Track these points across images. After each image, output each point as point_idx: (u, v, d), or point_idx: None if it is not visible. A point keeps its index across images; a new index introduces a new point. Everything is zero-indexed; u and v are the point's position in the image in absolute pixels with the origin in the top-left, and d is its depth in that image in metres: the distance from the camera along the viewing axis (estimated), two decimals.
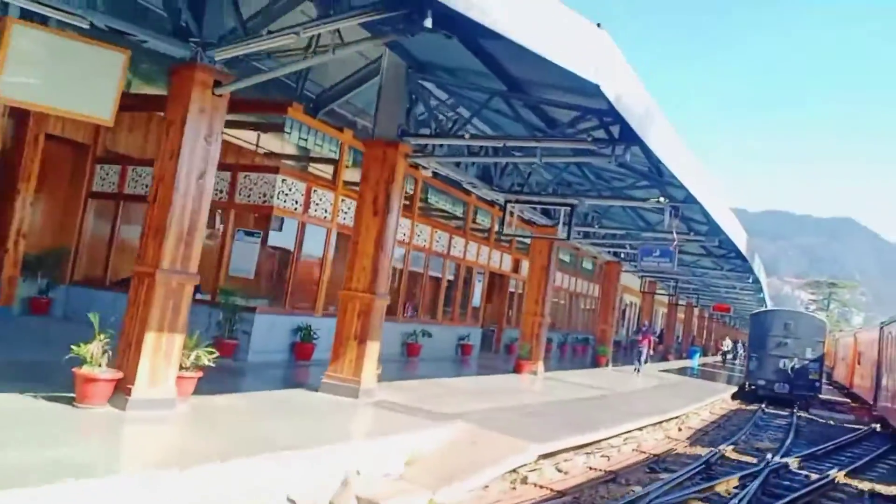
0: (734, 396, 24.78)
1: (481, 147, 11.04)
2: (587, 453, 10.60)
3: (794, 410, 23.28)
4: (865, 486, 11.37)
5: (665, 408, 15.18)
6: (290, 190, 12.36)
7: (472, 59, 8.72)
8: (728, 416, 19.19)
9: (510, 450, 8.58)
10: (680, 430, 15.14)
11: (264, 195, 12.14)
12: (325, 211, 13.20)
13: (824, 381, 47.61)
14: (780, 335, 25.01)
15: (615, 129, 8.81)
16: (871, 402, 23.30)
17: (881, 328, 21.65)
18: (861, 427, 20.39)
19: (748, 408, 23.18)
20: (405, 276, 16.61)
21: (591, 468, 9.89)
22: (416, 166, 13.88)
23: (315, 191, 12.97)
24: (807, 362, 24.61)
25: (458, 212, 19.47)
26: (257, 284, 12.07)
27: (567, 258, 28.79)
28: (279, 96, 12.87)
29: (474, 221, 20.52)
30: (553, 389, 15.39)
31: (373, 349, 9.61)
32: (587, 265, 30.96)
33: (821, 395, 29.92)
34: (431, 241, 17.65)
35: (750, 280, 23.10)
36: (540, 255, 17.18)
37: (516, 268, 24.17)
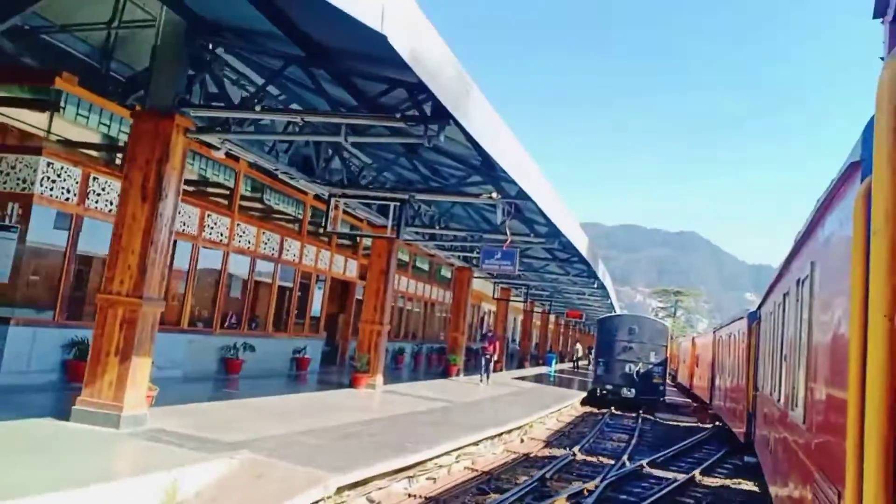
0: (584, 402, 24.64)
1: (288, 125, 9.56)
2: (409, 477, 9.33)
3: (640, 413, 23.41)
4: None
5: (508, 418, 14.28)
6: (58, 176, 10.26)
7: (263, 19, 7.29)
8: (575, 422, 18.70)
9: (304, 483, 7.11)
10: (522, 441, 14.32)
11: (23, 181, 9.98)
12: (110, 203, 11.15)
13: (669, 382, 49.77)
14: (625, 340, 25.16)
15: (427, 107, 7.65)
16: (708, 402, 23.92)
17: (714, 332, 22.15)
18: (705, 427, 20.65)
19: (598, 411, 23.07)
20: (223, 281, 14.75)
21: (410, 495, 8.63)
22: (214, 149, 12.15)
23: (95, 178, 10.93)
24: (651, 366, 24.88)
25: (294, 211, 17.82)
26: (13, 290, 9.85)
27: (425, 266, 27.79)
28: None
29: (312, 223, 18.95)
30: (388, 404, 14.09)
31: (141, 367, 7.83)
32: (444, 273, 30.13)
33: (665, 399, 30.73)
34: (258, 242, 15.89)
35: (595, 285, 23.02)
36: (379, 259, 15.88)
37: (364, 274, 22.82)
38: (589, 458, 12.96)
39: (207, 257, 14.23)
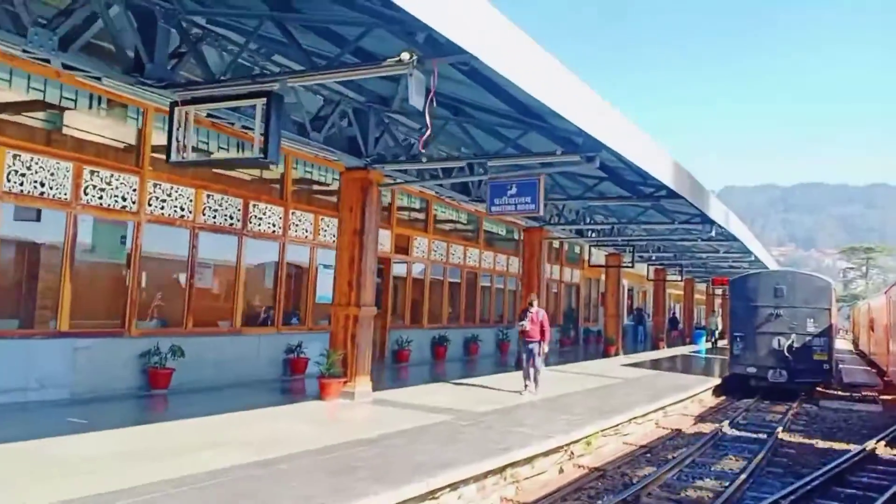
0: (717, 390, 18.51)
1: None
2: None
3: (794, 406, 16.97)
4: None
5: (551, 431, 9.14)
6: None
7: None
8: (671, 435, 12.96)
9: None
10: (562, 471, 9.16)
11: None
12: None
13: (851, 350, 41.00)
14: (769, 305, 18.64)
15: None
16: (885, 372, 17.24)
17: (886, 292, 15.42)
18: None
19: (735, 404, 16.95)
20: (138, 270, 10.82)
21: None
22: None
23: None
24: (809, 338, 18.21)
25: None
26: None
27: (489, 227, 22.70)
28: None
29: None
30: (363, 423, 9.49)
31: None
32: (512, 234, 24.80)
33: (839, 376, 23.44)
34: (216, 211, 11.90)
35: (712, 233, 16.82)
36: (351, 215, 11.25)
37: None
38: None
39: None
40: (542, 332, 12.90)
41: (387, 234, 17.21)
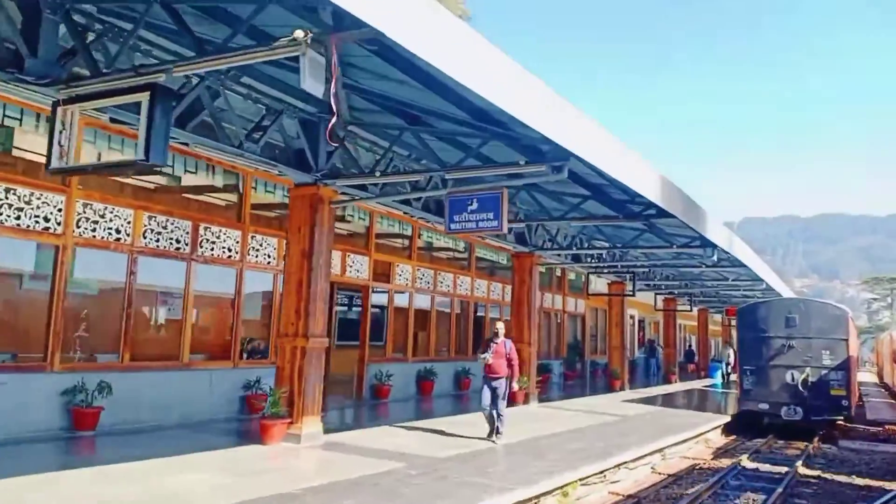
0: (727, 429, 17.01)
1: None
2: None
3: (812, 445, 15.46)
4: None
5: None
6: None
7: None
8: (667, 483, 11.55)
9: None
10: None
11: None
12: None
13: (876, 382, 39.16)
14: (781, 336, 17.18)
15: None
16: None
17: None
18: None
19: (745, 445, 15.44)
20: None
21: None
22: None
23: None
24: (825, 371, 16.71)
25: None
26: None
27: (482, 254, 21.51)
28: None
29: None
30: (297, 473, 8.23)
31: None
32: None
33: (860, 413, 21.76)
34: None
35: (714, 257, 15.49)
36: (300, 236, 10.14)
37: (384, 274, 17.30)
38: None
39: None
40: (511, 367, 11.05)
41: (364, 260, 16.09)
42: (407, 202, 11.91)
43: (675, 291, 28.45)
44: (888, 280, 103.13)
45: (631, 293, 22.27)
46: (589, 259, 19.84)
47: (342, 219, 14.90)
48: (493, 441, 10.96)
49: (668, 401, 21.04)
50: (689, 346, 43.50)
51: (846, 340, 16.81)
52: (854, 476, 12.30)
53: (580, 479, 9.46)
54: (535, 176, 8.96)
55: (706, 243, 15.24)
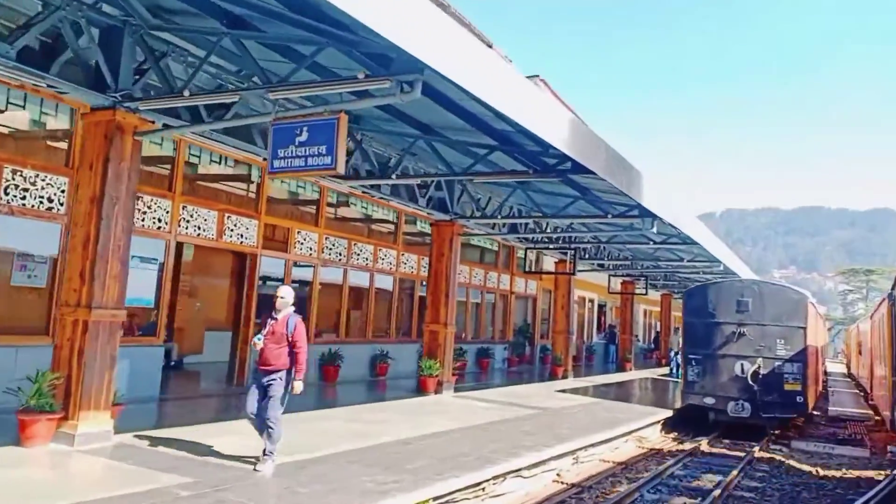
0: (668, 425, 15.02)
1: None
2: None
3: (759, 446, 13.52)
4: None
5: None
6: None
7: None
8: (583, 489, 9.47)
9: None
10: None
11: None
12: None
13: (842, 376, 38.10)
14: (731, 322, 15.16)
15: None
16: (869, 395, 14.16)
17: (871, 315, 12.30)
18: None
19: (681, 447, 13.42)
20: None
21: None
22: None
23: None
24: (779, 363, 14.71)
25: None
26: None
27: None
28: None
29: None
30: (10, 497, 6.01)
31: None
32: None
33: (824, 409, 19.88)
34: None
35: (653, 229, 13.34)
36: (91, 175, 7.81)
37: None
38: None
39: None
40: (296, 355, 7.21)
41: (253, 224, 13.79)
42: (232, 134, 9.59)
43: (631, 273, 26.42)
44: (864, 272, 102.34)
45: (572, 272, 20.06)
46: (525, 230, 17.64)
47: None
48: (257, 469, 7.10)
49: (609, 391, 19.02)
50: (658, 332, 41.72)
51: (804, 329, 14.79)
52: (801, 490, 10.31)
53: (443, 496, 7.32)
54: (382, 95, 6.70)
55: (644, 213, 13.09)
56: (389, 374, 17.33)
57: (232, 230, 13.37)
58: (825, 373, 38.55)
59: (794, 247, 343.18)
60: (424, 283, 19.44)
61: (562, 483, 9.52)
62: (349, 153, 11.52)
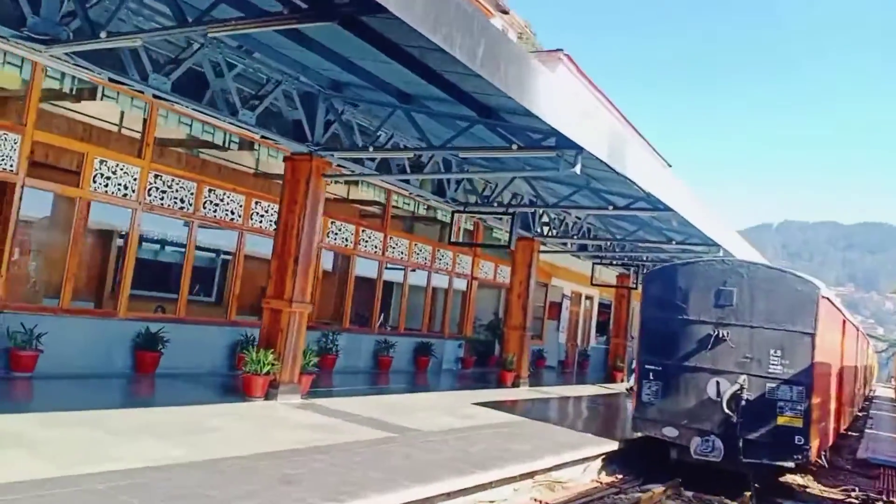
0: (615, 459, 10.39)
1: None
2: None
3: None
4: None
5: None
6: None
7: None
8: None
9: None
10: None
11: None
12: None
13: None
14: (707, 320, 10.40)
15: None
16: None
17: None
18: None
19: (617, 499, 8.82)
20: None
21: None
22: None
23: None
24: (772, 385, 9.90)
25: None
26: None
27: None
28: None
29: None
30: None
31: None
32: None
33: (845, 447, 14.88)
34: None
35: (575, 165, 8.70)
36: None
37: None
38: None
39: None
40: None
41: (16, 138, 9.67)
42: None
43: (618, 260, 21.65)
44: None
45: (507, 245, 14.88)
46: (448, 185, 13.06)
47: None
48: None
49: (551, 408, 14.39)
50: None
51: (812, 336, 9.89)
52: None
53: None
54: None
55: (563, 142, 8.46)
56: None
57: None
58: (867, 398, 32.84)
59: (853, 263, 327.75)
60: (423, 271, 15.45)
61: None
62: None
